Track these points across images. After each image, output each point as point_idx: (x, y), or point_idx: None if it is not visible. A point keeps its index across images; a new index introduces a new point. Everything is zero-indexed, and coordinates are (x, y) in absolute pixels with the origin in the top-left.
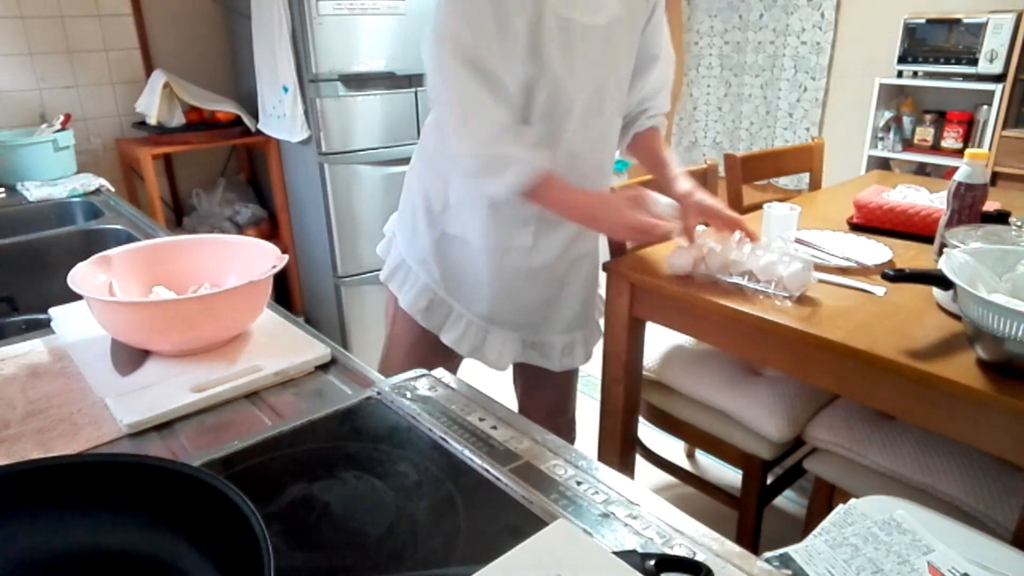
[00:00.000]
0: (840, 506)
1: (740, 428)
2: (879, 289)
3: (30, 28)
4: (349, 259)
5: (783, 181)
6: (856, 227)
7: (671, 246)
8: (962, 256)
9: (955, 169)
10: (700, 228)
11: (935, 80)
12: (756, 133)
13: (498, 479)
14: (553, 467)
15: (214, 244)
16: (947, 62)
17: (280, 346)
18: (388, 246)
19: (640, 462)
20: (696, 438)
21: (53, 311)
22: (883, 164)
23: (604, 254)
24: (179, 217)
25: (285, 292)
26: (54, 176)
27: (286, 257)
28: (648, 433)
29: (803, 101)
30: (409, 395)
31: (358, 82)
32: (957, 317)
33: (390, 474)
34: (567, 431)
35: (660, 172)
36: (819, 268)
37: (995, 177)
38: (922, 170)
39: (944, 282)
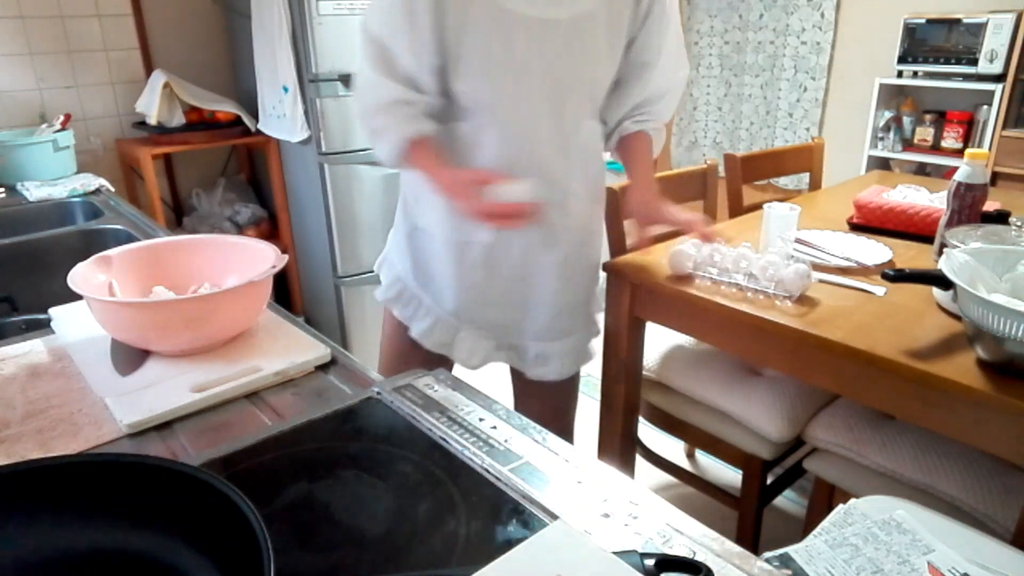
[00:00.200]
0: (840, 506)
1: (740, 428)
2: (879, 289)
3: (30, 28)
4: (349, 259)
5: (783, 181)
6: (856, 227)
7: (671, 246)
8: (962, 256)
9: (955, 169)
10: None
11: (935, 80)
12: (756, 133)
13: (498, 479)
14: (552, 467)
15: (214, 244)
16: (947, 62)
17: (280, 346)
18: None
19: (640, 462)
20: (696, 438)
21: (53, 311)
22: (883, 164)
23: (604, 255)
24: (179, 217)
25: (285, 292)
26: (54, 176)
27: (286, 257)
28: (648, 433)
29: (803, 101)
30: (409, 395)
31: None
32: (957, 317)
33: (390, 474)
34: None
35: (629, 176)
36: (819, 268)
37: (995, 177)
38: (922, 170)
39: (944, 282)
